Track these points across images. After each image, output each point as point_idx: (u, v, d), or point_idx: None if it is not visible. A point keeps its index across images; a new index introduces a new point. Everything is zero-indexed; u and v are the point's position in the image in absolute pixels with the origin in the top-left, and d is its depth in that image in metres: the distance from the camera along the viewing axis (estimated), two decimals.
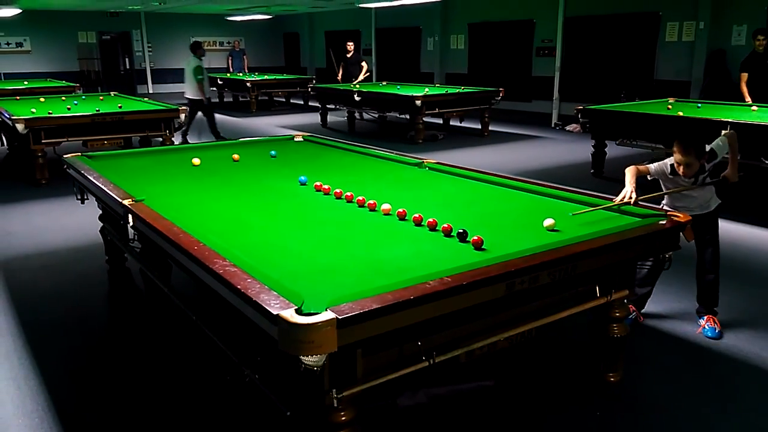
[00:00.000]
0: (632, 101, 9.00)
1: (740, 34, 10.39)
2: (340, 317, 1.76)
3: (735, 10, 10.49)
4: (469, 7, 15.27)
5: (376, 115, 11.66)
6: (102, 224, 4.33)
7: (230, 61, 17.11)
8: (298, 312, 1.78)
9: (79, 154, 4.41)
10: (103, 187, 3.43)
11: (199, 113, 9.98)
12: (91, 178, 3.65)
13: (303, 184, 3.62)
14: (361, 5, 15.01)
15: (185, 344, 3.47)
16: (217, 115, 10.42)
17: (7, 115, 7.26)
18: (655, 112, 7.04)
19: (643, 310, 3.70)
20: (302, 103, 15.54)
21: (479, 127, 10.93)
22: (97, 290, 4.31)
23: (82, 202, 4.26)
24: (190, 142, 8.81)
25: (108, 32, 19.56)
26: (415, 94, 9.64)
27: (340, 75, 12.95)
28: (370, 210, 3.05)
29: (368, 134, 11.24)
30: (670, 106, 7.69)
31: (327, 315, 1.76)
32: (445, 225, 2.63)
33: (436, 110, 10.21)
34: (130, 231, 3.31)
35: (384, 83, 12.72)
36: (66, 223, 5.71)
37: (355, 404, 2.05)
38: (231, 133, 10.23)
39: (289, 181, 3.72)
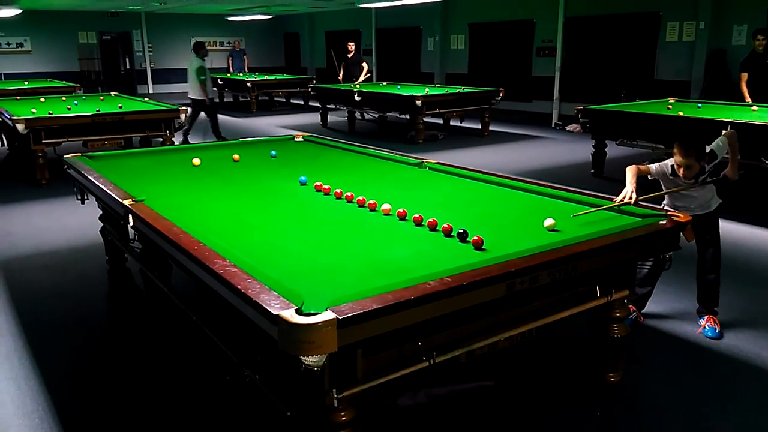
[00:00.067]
0: (632, 101, 9.00)
1: (740, 34, 10.38)
2: (340, 317, 1.76)
3: (735, 10, 10.49)
4: (469, 7, 15.28)
5: (377, 115, 11.66)
6: (102, 224, 4.33)
7: (230, 62, 17.12)
8: (299, 312, 1.78)
9: (80, 154, 4.41)
10: (103, 187, 3.43)
11: (203, 113, 9.98)
12: (92, 179, 3.65)
13: (303, 184, 3.62)
14: (361, 5, 15.01)
15: (185, 344, 3.47)
16: (218, 116, 10.43)
17: (7, 115, 7.26)
18: (656, 112, 7.03)
19: (643, 310, 3.70)
20: (302, 103, 15.54)
21: (479, 127, 10.93)
22: (98, 290, 4.31)
23: (83, 203, 4.26)
24: (191, 142, 8.82)
25: (108, 32, 19.57)
26: (415, 94, 9.65)
27: (341, 75, 12.95)
28: (371, 210, 3.05)
29: (368, 134, 11.24)
30: (670, 106, 7.68)
31: (327, 315, 1.76)
32: (445, 225, 2.63)
33: (437, 110, 10.21)
34: (131, 231, 3.31)
35: (384, 83, 12.72)
36: (66, 224, 5.71)
37: (355, 404, 2.05)
38: (231, 134, 10.23)
39: (290, 181, 3.72)
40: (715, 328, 3.49)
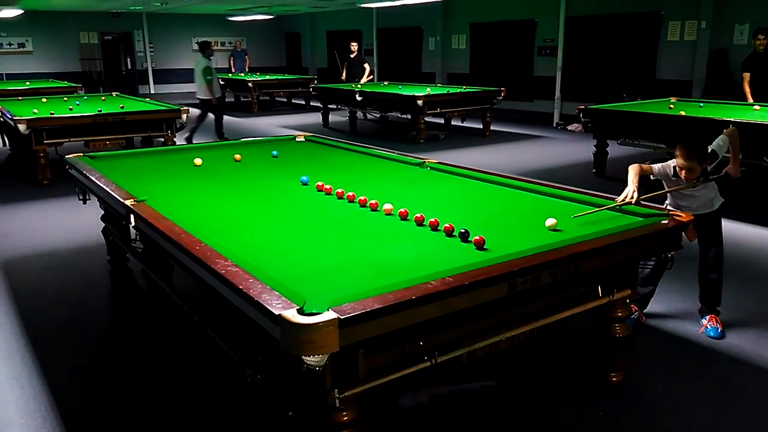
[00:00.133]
0: (634, 101, 8.99)
1: (742, 34, 10.37)
2: (341, 317, 1.76)
3: (737, 9, 10.48)
4: (470, 6, 15.27)
5: (378, 115, 11.66)
6: (104, 224, 4.34)
7: (232, 62, 17.13)
8: (300, 312, 1.78)
9: (81, 154, 4.41)
10: (105, 187, 3.44)
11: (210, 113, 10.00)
12: (93, 179, 3.65)
13: (305, 184, 3.62)
14: (362, 5, 15.02)
15: (187, 344, 3.47)
16: (223, 116, 10.43)
17: (9, 115, 7.27)
18: (657, 111, 7.03)
19: (645, 310, 3.70)
20: (304, 103, 15.54)
21: (481, 126, 10.93)
22: (99, 290, 4.32)
23: (84, 203, 4.26)
24: (193, 142, 8.82)
25: (110, 33, 19.60)
26: (416, 94, 9.64)
27: (344, 75, 12.96)
28: (372, 210, 3.05)
29: (370, 134, 11.24)
30: (672, 106, 7.68)
31: (329, 315, 1.76)
32: (447, 225, 2.63)
33: (438, 110, 10.21)
34: (132, 231, 3.32)
35: (385, 83, 12.73)
36: (68, 224, 5.72)
37: (357, 404, 2.05)
38: (233, 134, 10.23)
39: (291, 181, 3.73)
40: (717, 328, 3.49)
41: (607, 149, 7.49)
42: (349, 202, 3.21)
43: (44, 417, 2.81)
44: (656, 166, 3.41)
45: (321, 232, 2.78)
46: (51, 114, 7.28)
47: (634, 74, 11.97)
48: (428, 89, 10.91)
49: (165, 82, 20.24)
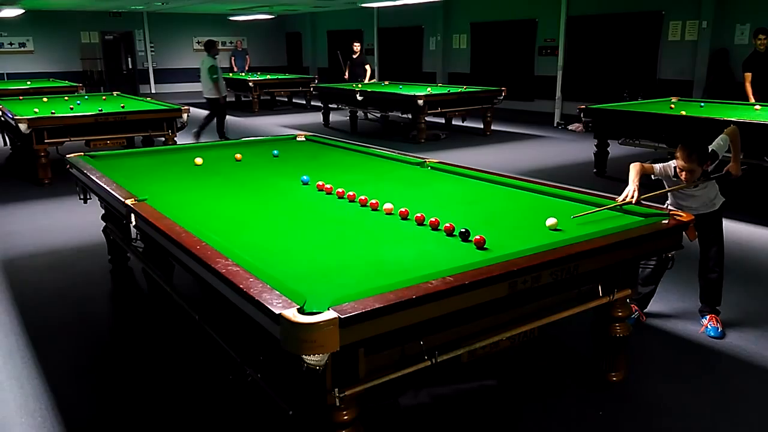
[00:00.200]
0: (635, 100, 8.99)
1: (743, 33, 10.36)
2: (342, 316, 1.76)
3: (738, 9, 10.47)
4: (471, 6, 15.27)
5: (379, 115, 11.67)
6: (105, 224, 4.34)
7: (233, 61, 17.13)
8: (301, 311, 1.78)
9: (82, 153, 4.42)
10: (105, 186, 3.44)
11: None
12: (94, 178, 3.66)
13: (305, 183, 3.62)
14: (363, 5, 15.03)
15: (188, 344, 3.48)
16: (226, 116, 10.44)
17: (10, 114, 7.28)
18: (658, 111, 7.01)
19: (645, 310, 3.69)
20: (304, 102, 15.54)
21: (482, 126, 10.93)
22: (100, 289, 4.32)
23: (85, 202, 4.27)
24: (200, 140, 8.82)
25: (111, 32, 19.61)
26: (417, 94, 9.64)
27: (347, 75, 12.95)
28: (373, 209, 3.05)
29: (370, 134, 11.24)
30: (672, 106, 7.67)
31: (329, 314, 1.76)
32: (447, 224, 2.63)
33: (439, 110, 10.21)
34: (133, 230, 3.32)
35: (386, 83, 12.72)
36: (69, 223, 5.72)
37: (357, 403, 2.05)
38: (233, 133, 10.23)
39: (292, 180, 3.73)
40: (718, 328, 3.49)
41: (608, 149, 7.49)
42: (350, 201, 3.21)
43: (44, 417, 2.82)
44: (657, 166, 3.40)
45: (321, 231, 2.78)
46: (52, 113, 7.29)
47: (635, 74, 11.96)
48: (429, 89, 10.90)
49: (166, 82, 20.25)
